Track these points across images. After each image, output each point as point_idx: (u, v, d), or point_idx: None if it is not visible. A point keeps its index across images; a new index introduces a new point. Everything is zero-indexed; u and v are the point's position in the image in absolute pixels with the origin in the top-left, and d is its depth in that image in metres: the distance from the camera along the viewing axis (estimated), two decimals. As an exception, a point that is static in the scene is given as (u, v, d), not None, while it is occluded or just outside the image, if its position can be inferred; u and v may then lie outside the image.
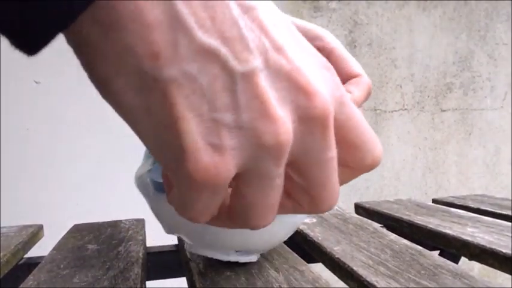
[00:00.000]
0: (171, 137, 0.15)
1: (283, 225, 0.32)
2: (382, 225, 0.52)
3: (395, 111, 1.51)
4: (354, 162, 0.20)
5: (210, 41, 0.15)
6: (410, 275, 0.31)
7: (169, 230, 0.33)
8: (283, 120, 0.16)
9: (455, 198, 0.65)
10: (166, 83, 0.15)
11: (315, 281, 0.30)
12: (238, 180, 0.17)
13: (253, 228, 0.19)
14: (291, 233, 0.34)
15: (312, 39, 0.32)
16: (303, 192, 0.19)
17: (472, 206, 0.58)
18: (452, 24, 1.56)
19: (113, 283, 0.30)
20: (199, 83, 0.15)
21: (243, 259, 0.33)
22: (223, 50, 0.15)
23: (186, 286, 0.34)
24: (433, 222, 0.47)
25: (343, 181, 0.21)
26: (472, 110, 1.59)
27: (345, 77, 0.31)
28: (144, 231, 0.46)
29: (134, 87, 0.15)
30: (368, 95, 0.31)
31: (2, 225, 0.53)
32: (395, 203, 0.60)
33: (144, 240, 0.43)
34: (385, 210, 0.55)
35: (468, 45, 1.58)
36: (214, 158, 0.16)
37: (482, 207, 0.56)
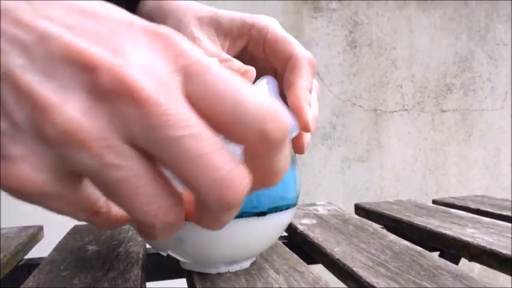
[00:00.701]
0: None
1: (268, 230, 0.32)
2: (382, 226, 0.52)
3: (396, 111, 1.51)
4: (240, 140, 0.16)
5: None
6: (410, 276, 0.31)
7: (156, 249, 0.33)
8: (59, 107, 0.14)
9: (455, 199, 0.65)
10: None
11: (315, 282, 0.30)
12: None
13: (150, 225, 0.17)
14: (279, 234, 0.34)
15: (248, 28, 0.34)
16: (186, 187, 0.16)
17: (472, 206, 0.58)
18: (453, 25, 1.56)
19: (113, 284, 0.30)
20: None
21: (233, 268, 0.33)
22: None
23: (186, 287, 0.34)
24: (433, 223, 0.47)
25: (255, 167, 0.17)
26: (472, 111, 1.59)
27: (283, 58, 0.32)
28: (144, 232, 0.46)
29: None
30: (311, 71, 0.32)
31: (2, 226, 0.53)
32: (395, 203, 0.60)
33: (144, 241, 0.43)
34: (385, 211, 0.55)
35: (468, 46, 1.58)
36: (7, 169, 0.15)
37: (482, 208, 0.56)
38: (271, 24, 0.34)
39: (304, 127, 0.28)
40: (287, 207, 0.31)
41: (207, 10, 0.35)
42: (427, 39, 1.53)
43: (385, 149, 1.50)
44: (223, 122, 0.16)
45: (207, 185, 0.16)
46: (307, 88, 0.30)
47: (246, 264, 0.34)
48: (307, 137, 0.31)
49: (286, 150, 0.17)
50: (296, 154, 0.32)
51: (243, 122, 0.16)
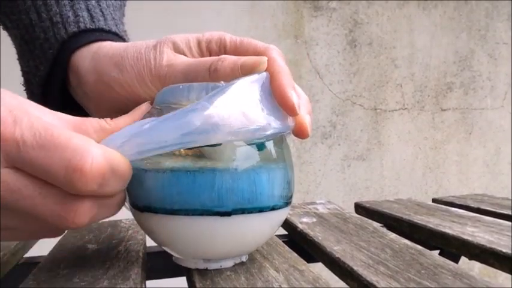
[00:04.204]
0: None
1: (265, 227, 0.31)
2: (382, 224, 0.52)
3: (396, 110, 1.51)
4: (53, 181, 0.24)
5: None
6: (410, 275, 0.31)
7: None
8: None
9: (455, 197, 0.65)
10: None
11: (315, 280, 0.30)
12: None
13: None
14: (274, 232, 0.33)
15: (206, 44, 0.34)
16: None
17: (472, 205, 0.58)
18: (453, 24, 1.56)
19: (112, 283, 0.30)
20: None
21: (212, 266, 0.32)
22: None
23: (186, 286, 0.34)
24: (433, 222, 0.47)
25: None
26: (472, 110, 1.59)
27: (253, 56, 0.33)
28: (144, 231, 0.46)
29: None
30: (283, 59, 0.32)
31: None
32: (395, 202, 0.60)
33: (144, 240, 0.43)
34: (385, 210, 0.55)
35: (468, 45, 1.58)
36: None
37: (483, 207, 0.56)
38: (224, 34, 0.35)
39: (292, 110, 0.29)
40: (259, 209, 0.30)
41: (154, 40, 0.35)
42: (427, 38, 1.53)
43: (385, 147, 1.50)
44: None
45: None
46: (288, 74, 0.31)
47: (229, 263, 0.33)
48: (306, 118, 0.31)
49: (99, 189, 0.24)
50: (295, 153, 0.32)
51: (55, 170, 0.23)
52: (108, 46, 0.35)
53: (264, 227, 0.32)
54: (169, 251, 0.33)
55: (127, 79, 0.33)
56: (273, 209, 0.30)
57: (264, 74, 0.30)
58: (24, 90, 0.38)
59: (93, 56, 0.35)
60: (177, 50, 0.34)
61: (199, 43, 0.34)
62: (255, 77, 0.29)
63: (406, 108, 1.52)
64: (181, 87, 0.30)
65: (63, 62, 0.36)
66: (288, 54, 1.37)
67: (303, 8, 1.40)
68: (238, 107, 0.26)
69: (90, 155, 0.23)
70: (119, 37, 0.39)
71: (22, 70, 0.38)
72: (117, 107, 0.35)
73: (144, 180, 0.29)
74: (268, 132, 0.27)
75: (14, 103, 0.24)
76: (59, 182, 0.23)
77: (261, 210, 0.30)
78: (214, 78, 0.31)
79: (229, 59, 0.31)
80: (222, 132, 0.25)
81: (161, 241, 0.32)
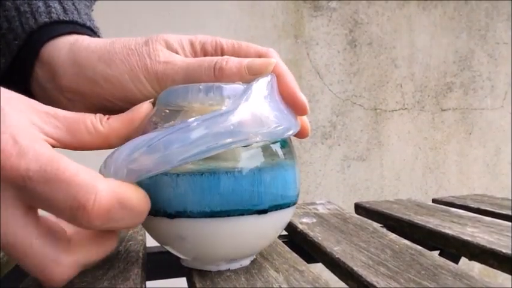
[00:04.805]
0: None
1: (269, 228, 0.32)
2: (382, 225, 0.52)
3: (396, 110, 1.51)
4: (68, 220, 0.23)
5: None
6: (410, 275, 0.31)
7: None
8: None
9: (455, 198, 0.65)
10: None
11: (315, 281, 0.30)
12: None
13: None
14: (279, 233, 0.34)
15: (200, 45, 0.34)
16: None
17: (472, 205, 0.58)
18: (453, 24, 1.56)
19: (112, 283, 0.30)
20: None
21: (234, 266, 0.33)
22: None
23: (186, 286, 0.34)
24: (433, 222, 0.47)
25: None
26: (472, 110, 1.59)
27: (254, 56, 0.33)
28: (144, 231, 0.46)
29: None
30: (281, 62, 0.33)
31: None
32: (395, 202, 0.60)
33: (144, 240, 0.43)
34: (385, 210, 0.55)
35: (468, 45, 1.58)
36: None
37: (483, 207, 0.56)
38: (218, 37, 0.34)
39: (304, 110, 0.31)
40: (288, 205, 0.31)
41: (142, 38, 0.34)
42: (427, 38, 1.53)
43: (385, 148, 1.50)
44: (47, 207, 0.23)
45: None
46: (291, 75, 0.32)
47: (246, 262, 0.34)
48: (305, 118, 0.33)
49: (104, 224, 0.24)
50: (297, 153, 0.32)
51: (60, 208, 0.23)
52: (87, 40, 0.33)
53: (286, 221, 0.33)
54: (190, 255, 0.32)
55: (116, 74, 0.32)
56: (294, 203, 0.32)
57: (271, 75, 0.30)
58: None
59: (70, 48, 0.33)
60: (170, 48, 0.33)
61: (192, 44, 0.34)
62: (267, 78, 0.29)
63: (406, 109, 1.52)
64: (188, 87, 0.29)
65: (30, 54, 0.33)
66: (288, 54, 1.37)
67: (303, 8, 1.40)
68: (261, 109, 0.27)
69: (94, 191, 0.22)
70: (93, 33, 0.37)
71: None
72: (99, 104, 0.33)
73: (176, 185, 0.28)
74: (291, 132, 0.29)
75: (15, 119, 0.23)
76: (65, 218, 0.23)
77: (288, 205, 0.31)
78: (219, 77, 0.31)
79: (233, 59, 0.31)
80: (253, 135, 0.26)
81: (191, 246, 0.30)
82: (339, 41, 1.44)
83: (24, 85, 0.35)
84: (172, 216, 0.29)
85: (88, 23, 0.36)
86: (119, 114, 0.29)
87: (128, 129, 0.29)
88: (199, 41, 0.34)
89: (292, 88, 0.31)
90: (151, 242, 0.45)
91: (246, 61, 0.31)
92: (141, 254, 0.37)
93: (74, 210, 0.22)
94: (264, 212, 0.29)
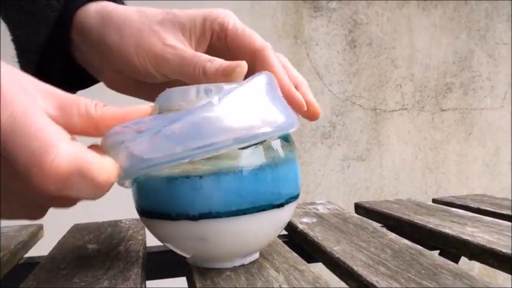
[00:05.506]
0: None
1: (283, 220, 0.33)
2: (382, 224, 0.52)
3: (395, 110, 1.51)
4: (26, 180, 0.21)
5: None
6: (410, 275, 0.31)
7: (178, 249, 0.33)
8: None
9: (455, 198, 0.65)
10: None
11: (315, 280, 0.30)
12: None
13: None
14: (280, 230, 0.34)
15: (210, 24, 0.35)
16: None
17: (472, 205, 0.58)
18: (452, 24, 1.56)
19: (112, 283, 0.30)
20: None
21: (247, 260, 0.34)
22: None
23: (186, 286, 0.34)
24: (433, 222, 0.47)
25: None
26: (472, 110, 1.59)
27: (248, 51, 0.34)
28: (144, 231, 0.46)
29: None
30: (278, 59, 0.34)
31: (2, 225, 0.53)
32: (395, 202, 0.60)
33: (144, 240, 0.43)
34: (385, 210, 0.55)
35: (468, 45, 1.58)
36: None
37: (482, 207, 0.56)
38: (230, 17, 0.35)
39: (301, 106, 0.32)
40: (297, 196, 0.33)
41: (160, 13, 0.35)
42: (426, 38, 1.53)
43: (384, 148, 1.50)
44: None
45: None
46: (283, 73, 0.33)
47: (257, 255, 0.35)
48: (313, 100, 0.35)
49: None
50: (298, 151, 0.33)
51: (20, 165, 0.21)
52: (111, 7, 0.36)
53: (293, 211, 0.34)
54: (207, 255, 0.32)
55: (126, 46, 0.33)
56: (299, 194, 0.34)
57: (265, 73, 0.30)
58: (17, 61, 0.37)
59: (96, 13, 0.35)
60: (183, 32, 0.34)
61: (204, 21, 0.35)
62: (264, 77, 0.29)
63: (405, 109, 1.52)
64: (186, 89, 0.30)
65: (66, 23, 0.36)
66: (287, 55, 1.37)
67: (303, 9, 1.40)
68: (266, 105, 0.27)
69: (54, 151, 0.20)
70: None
71: (16, 41, 0.37)
72: (118, 71, 0.36)
73: (200, 186, 0.28)
74: (296, 126, 0.29)
75: (5, 78, 0.22)
76: (22, 175, 0.21)
77: (297, 196, 0.33)
78: (203, 78, 0.32)
79: (222, 65, 0.32)
80: (264, 131, 0.26)
81: (212, 246, 0.30)
82: (338, 42, 1.44)
83: (65, 52, 0.37)
84: (196, 218, 0.28)
85: None
86: (117, 107, 0.28)
87: (119, 123, 0.27)
88: (211, 20, 0.35)
89: (285, 86, 0.32)
90: (151, 242, 0.45)
91: (224, 65, 0.32)
92: (141, 254, 0.37)
93: (29, 167, 0.20)
94: (281, 205, 0.31)
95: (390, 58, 1.50)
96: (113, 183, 0.23)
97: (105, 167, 0.22)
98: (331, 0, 1.43)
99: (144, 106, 0.29)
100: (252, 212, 0.29)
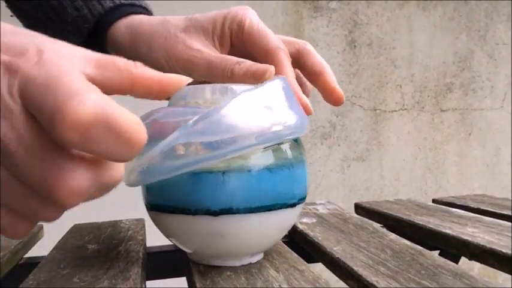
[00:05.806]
0: None
1: (293, 219, 0.34)
2: (382, 225, 0.52)
3: (395, 111, 1.51)
4: (50, 131, 0.19)
5: None
6: (410, 275, 0.31)
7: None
8: None
9: (455, 198, 0.65)
10: None
11: (315, 280, 0.30)
12: None
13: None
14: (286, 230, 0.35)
15: (229, 24, 0.36)
16: None
17: (472, 206, 0.58)
18: (452, 24, 1.56)
19: (113, 283, 0.30)
20: None
21: (255, 259, 0.34)
22: None
23: (186, 286, 0.34)
24: (433, 222, 0.47)
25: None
26: (472, 110, 1.59)
27: (261, 51, 0.35)
28: (144, 231, 0.46)
29: None
30: (289, 61, 0.35)
31: (2, 225, 0.53)
32: (395, 203, 0.60)
33: (144, 240, 0.43)
34: (385, 210, 0.55)
35: (468, 45, 1.58)
36: None
37: (482, 207, 0.56)
38: (248, 15, 0.37)
39: (307, 110, 0.33)
40: (305, 197, 0.34)
41: (183, 20, 0.37)
42: (426, 38, 1.53)
43: (384, 148, 1.50)
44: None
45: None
46: (293, 77, 0.35)
47: (261, 255, 0.35)
48: (337, 85, 0.37)
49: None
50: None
51: (49, 113, 0.19)
52: (138, 20, 0.38)
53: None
54: (220, 252, 0.33)
55: (156, 56, 0.36)
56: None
57: (281, 78, 0.31)
58: None
59: (126, 28, 0.38)
60: (206, 36, 0.36)
61: (224, 21, 0.36)
62: (279, 81, 0.30)
63: (405, 109, 1.52)
64: (202, 87, 0.30)
65: (99, 36, 0.38)
66: (287, 55, 1.37)
67: (303, 9, 1.40)
68: (282, 108, 0.28)
69: (80, 97, 0.18)
70: (146, 10, 0.42)
71: None
72: None
73: (223, 182, 0.28)
74: (307, 128, 0.30)
75: (48, 46, 0.21)
76: (45, 124, 0.19)
77: (304, 199, 0.34)
78: (230, 81, 0.33)
79: (252, 67, 0.33)
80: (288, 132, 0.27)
81: (228, 243, 0.31)
82: (338, 42, 1.44)
83: None
84: (216, 213, 0.29)
85: (142, 3, 0.42)
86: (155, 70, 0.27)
87: (156, 86, 0.26)
88: (230, 19, 0.36)
89: (296, 90, 0.33)
90: (151, 242, 0.45)
91: (253, 68, 0.33)
92: (141, 254, 0.37)
93: (52, 115, 0.18)
94: (294, 205, 0.32)
95: (390, 58, 1.50)
96: (143, 144, 0.20)
97: (135, 124, 0.20)
98: (331, 1, 1.43)
99: (181, 77, 0.27)
100: (270, 210, 0.30)
